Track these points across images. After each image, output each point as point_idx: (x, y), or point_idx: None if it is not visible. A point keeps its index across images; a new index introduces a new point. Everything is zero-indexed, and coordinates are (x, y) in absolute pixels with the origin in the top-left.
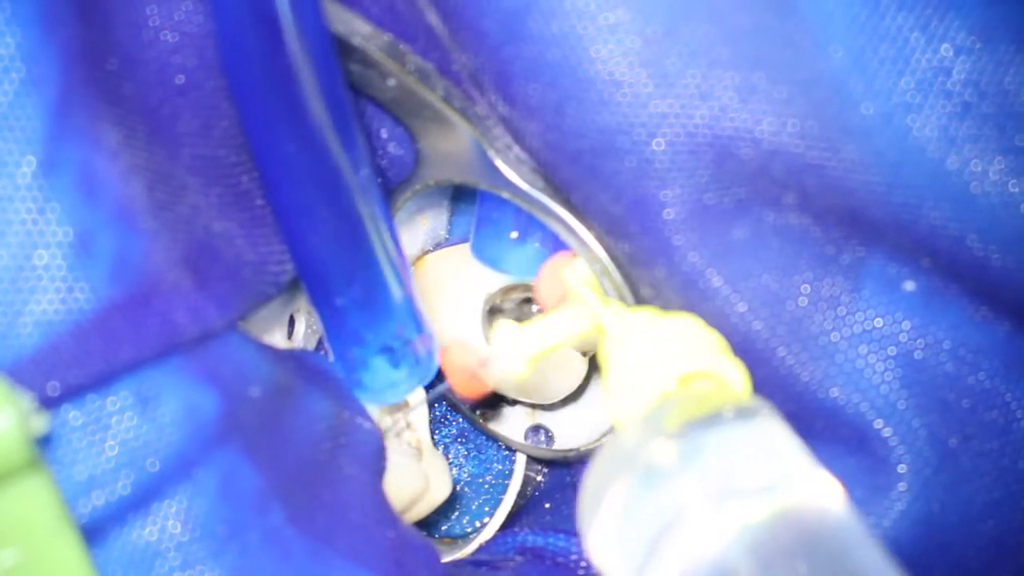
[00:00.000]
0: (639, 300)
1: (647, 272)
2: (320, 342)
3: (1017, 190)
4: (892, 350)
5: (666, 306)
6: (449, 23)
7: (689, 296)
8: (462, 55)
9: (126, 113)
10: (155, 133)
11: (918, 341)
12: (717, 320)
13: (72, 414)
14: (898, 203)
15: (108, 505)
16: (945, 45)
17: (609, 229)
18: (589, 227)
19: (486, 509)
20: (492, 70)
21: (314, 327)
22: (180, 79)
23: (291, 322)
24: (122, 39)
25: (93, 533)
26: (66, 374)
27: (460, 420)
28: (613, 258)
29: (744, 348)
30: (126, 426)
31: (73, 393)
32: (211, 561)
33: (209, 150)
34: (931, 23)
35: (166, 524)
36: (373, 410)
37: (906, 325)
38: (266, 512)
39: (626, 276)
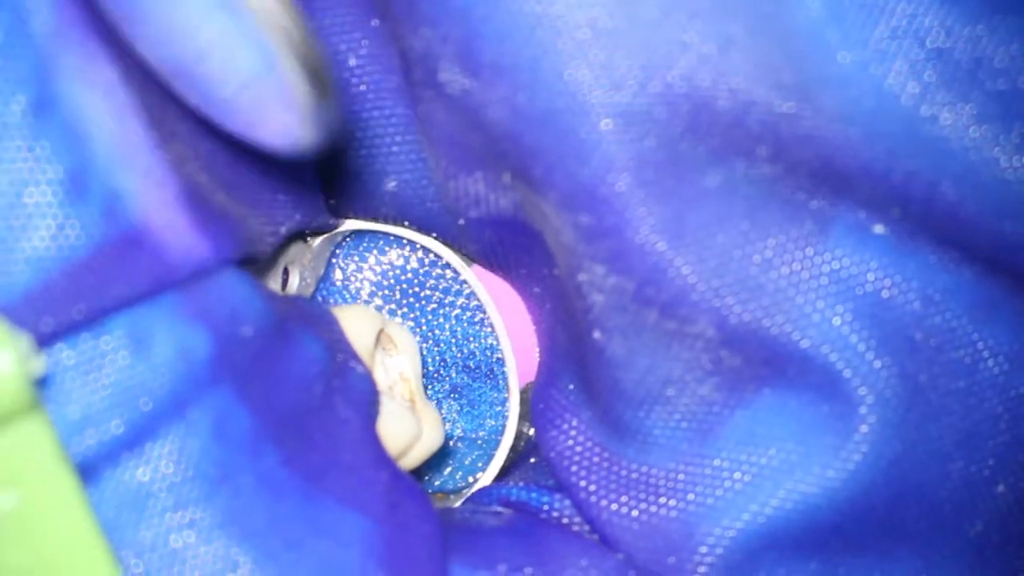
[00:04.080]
0: (576, 283)
1: (603, 245)
2: (314, 295)
3: (990, 134)
4: (859, 290)
5: (625, 279)
6: None
7: (647, 262)
8: (417, 33)
9: (122, 53)
10: (149, 76)
11: (885, 280)
12: (676, 277)
13: (65, 353)
14: (874, 151)
15: (101, 444)
16: None
17: (570, 199)
18: (543, 200)
19: (479, 465)
20: (456, 37)
21: (308, 280)
22: None
23: (285, 274)
24: None
25: (86, 472)
26: (58, 312)
27: (453, 375)
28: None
29: (705, 302)
30: (119, 365)
31: (66, 331)
32: (203, 502)
33: None
34: None
35: (159, 464)
36: (366, 363)
37: (874, 265)
38: (259, 454)
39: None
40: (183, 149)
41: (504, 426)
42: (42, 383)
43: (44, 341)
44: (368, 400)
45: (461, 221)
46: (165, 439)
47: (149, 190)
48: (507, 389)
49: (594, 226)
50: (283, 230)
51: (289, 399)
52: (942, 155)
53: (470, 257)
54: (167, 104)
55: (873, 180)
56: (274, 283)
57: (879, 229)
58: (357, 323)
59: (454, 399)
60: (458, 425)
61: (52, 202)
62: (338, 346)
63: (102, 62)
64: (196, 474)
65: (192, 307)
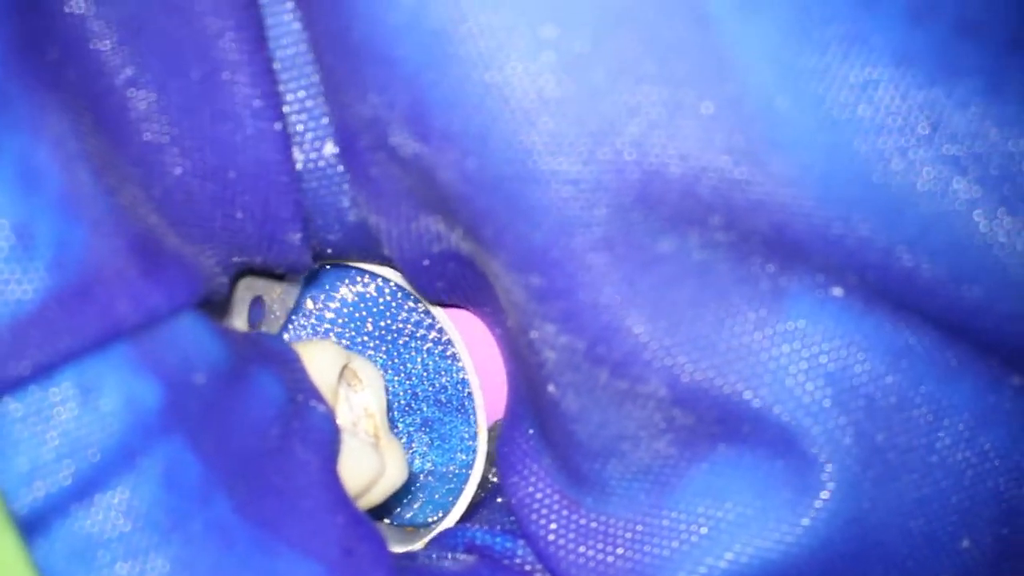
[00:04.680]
0: (528, 340)
1: (554, 305)
2: (283, 328)
3: (946, 198)
4: (816, 349)
5: (576, 338)
6: (347, 64)
7: (599, 321)
8: (364, 99)
9: (72, 99)
10: (99, 121)
11: (843, 340)
12: (627, 336)
13: (13, 406)
14: (827, 217)
15: (50, 496)
16: (872, 60)
17: (520, 261)
18: (493, 259)
19: (449, 499)
20: (404, 103)
21: (277, 313)
22: (128, 72)
23: (253, 306)
24: (60, 28)
25: (35, 525)
26: (4, 367)
27: (424, 409)
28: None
29: (657, 361)
30: (67, 417)
31: (13, 385)
32: (154, 551)
33: (174, 146)
34: (856, 41)
35: (109, 515)
36: (329, 400)
37: (831, 325)
38: (210, 502)
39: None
40: (135, 193)
41: (474, 461)
42: None
43: None
44: (328, 440)
45: (426, 261)
46: (115, 489)
47: (99, 240)
48: (477, 424)
49: (545, 287)
50: (234, 259)
51: (244, 444)
52: (896, 219)
53: (439, 295)
54: (119, 150)
55: (827, 246)
56: (240, 317)
57: (837, 292)
58: (320, 359)
59: (425, 432)
60: (428, 459)
61: None
62: (299, 386)
63: (51, 111)
64: (146, 524)
65: (142, 356)
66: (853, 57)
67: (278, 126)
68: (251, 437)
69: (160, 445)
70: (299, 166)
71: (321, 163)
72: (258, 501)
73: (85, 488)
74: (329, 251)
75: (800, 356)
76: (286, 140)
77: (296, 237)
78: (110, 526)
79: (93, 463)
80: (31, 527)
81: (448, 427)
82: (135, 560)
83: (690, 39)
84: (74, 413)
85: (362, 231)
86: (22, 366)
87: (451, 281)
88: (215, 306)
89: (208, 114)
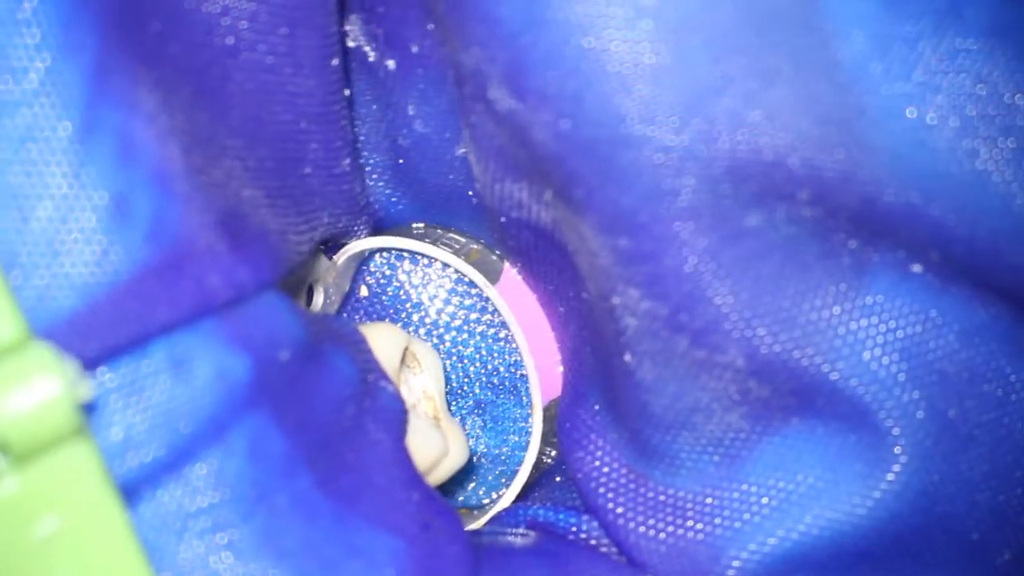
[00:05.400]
0: (610, 306)
1: (640, 269)
2: (338, 313)
3: None
4: (893, 325)
5: (659, 304)
6: (455, 15)
7: (683, 288)
8: (468, 51)
9: (168, 75)
10: (200, 94)
11: (920, 316)
12: (710, 306)
13: (107, 376)
14: (916, 187)
15: (142, 467)
16: (963, 31)
17: (610, 223)
18: (582, 221)
19: (502, 480)
20: (503, 60)
21: (332, 298)
22: (230, 40)
23: (309, 292)
24: (165, 1)
25: (126, 494)
26: (103, 337)
27: (477, 391)
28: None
29: (736, 331)
30: (160, 388)
31: (108, 355)
32: (240, 523)
33: (265, 111)
34: (949, 13)
35: (198, 486)
36: (393, 380)
37: (909, 301)
38: (293, 476)
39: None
40: (231, 164)
41: (527, 443)
42: (85, 407)
43: (88, 365)
44: (399, 420)
45: (503, 219)
46: (204, 461)
47: (190, 215)
48: (530, 406)
49: (632, 250)
50: (317, 235)
51: (322, 422)
52: (981, 191)
53: (508, 254)
54: (220, 120)
55: (914, 219)
56: (299, 302)
57: (917, 268)
58: (384, 341)
59: (478, 415)
60: (481, 441)
61: (97, 228)
62: (368, 366)
63: (145, 87)
64: (234, 496)
65: (231, 331)
66: (945, 27)
67: (335, 62)
68: (330, 414)
69: (247, 419)
70: (371, 58)
71: (391, 66)
72: (337, 477)
73: (176, 460)
74: (397, 200)
75: (878, 331)
76: (344, 72)
77: (346, 163)
78: (199, 498)
79: (184, 434)
80: (123, 498)
81: (500, 409)
82: (223, 532)
83: (787, 7)
84: (167, 385)
85: (430, 145)
86: (119, 335)
87: (521, 247)
88: (288, 286)
89: (289, 67)
